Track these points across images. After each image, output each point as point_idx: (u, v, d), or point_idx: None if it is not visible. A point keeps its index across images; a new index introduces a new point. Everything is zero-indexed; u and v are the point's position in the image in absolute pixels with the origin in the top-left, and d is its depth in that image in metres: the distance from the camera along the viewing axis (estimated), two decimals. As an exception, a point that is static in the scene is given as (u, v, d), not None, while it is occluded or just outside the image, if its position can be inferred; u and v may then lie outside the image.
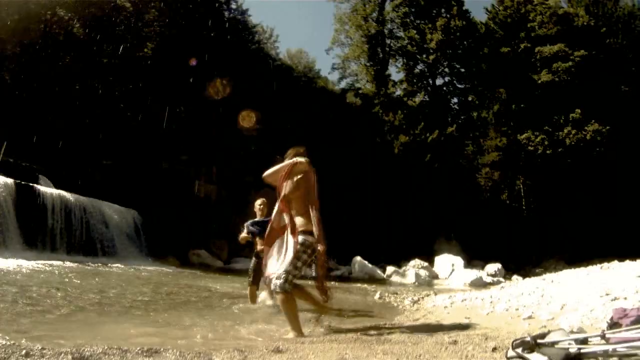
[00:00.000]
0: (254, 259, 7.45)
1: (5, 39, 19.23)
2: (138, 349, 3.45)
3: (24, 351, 3.03)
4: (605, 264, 9.78)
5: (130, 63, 21.46)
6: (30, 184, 13.69)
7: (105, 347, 3.36)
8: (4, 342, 3.25)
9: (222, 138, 22.08)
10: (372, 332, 5.31)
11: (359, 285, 15.43)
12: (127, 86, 21.48)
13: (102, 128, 19.50)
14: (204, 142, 21.32)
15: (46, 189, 14.01)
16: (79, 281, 8.30)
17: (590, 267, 9.67)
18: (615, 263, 9.74)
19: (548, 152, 30.32)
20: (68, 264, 11.17)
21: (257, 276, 7.18)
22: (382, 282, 18.38)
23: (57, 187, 15.14)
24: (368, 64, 36.16)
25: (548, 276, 9.52)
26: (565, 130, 30.26)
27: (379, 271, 20.66)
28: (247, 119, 17.67)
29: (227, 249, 20.47)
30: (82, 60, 20.66)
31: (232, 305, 7.47)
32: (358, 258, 21.20)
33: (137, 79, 21.56)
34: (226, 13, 28.68)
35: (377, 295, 10.70)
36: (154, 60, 22.12)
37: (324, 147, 25.80)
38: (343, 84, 37.89)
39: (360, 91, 36.34)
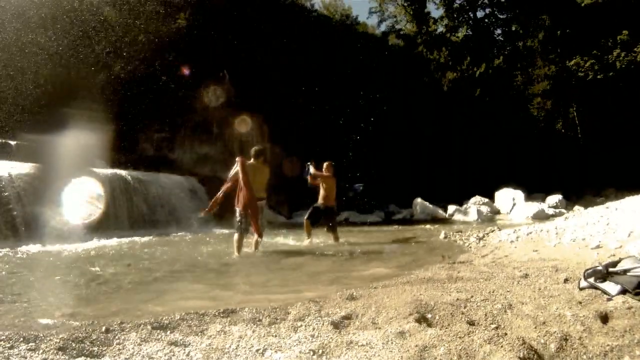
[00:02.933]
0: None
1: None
2: (215, 311, 3.57)
3: (104, 327, 3.10)
4: (670, 188, 9.53)
5: (167, 36, 21.51)
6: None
7: (183, 314, 3.47)
8: (84, 322, 3.36)
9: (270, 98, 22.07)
10: (443, 272, 5.36)
11: (422, 226, 15.44)
12: (167, 59, 21.61)
13: (149, 104, 19.82)
14: (255, 102, 21.32)
15: (104, 171, 13.97)
16: (145, 254, 8.40)
17: (653, 192, 9.43)
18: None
19: (599, 76, 28.95)
20: (136, 238, 11.19)
21: (315, 217, 9.92)
22: (444, 221, 18.29)
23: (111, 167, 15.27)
24: (406, 4, 35.08)
25: (611, 204, 9.32)
26: (615, 53, 28.73)
27: (440, 211, 20.43)
28: (242, 124, 17.70)
29: (287, 205, 20.66)
30: (118, 42, 20.89)
31: (298, 258, 7.71)
32: (419, 200, 21.09)
33: (175, 50, 21.67)
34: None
35: (442, 235, 10.76)
36: (190, 30, 22.14)
37: (371, 92, 25.63)
38: (383, 27, 37.20)
39: (401, 32, 35.57)
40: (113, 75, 20.28)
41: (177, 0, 22.99)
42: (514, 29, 34.80)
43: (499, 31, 36.48)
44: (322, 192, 9.92)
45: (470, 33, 35.15)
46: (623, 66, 28.33)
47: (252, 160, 8.37)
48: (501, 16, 35.68)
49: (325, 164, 10.13)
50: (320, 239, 10.26)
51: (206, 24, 22.26)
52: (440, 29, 35.29)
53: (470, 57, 31.39)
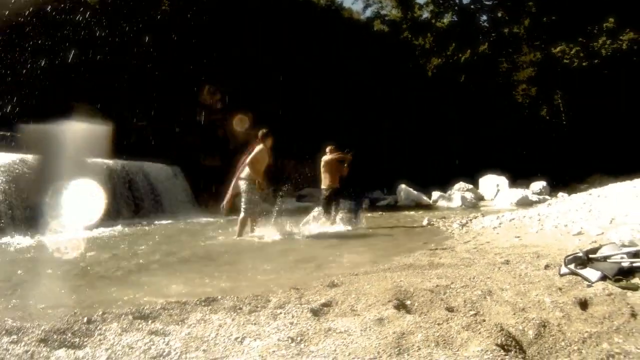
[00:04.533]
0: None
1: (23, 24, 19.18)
2: (196, 299, 3.55)
3: (85, 318, 3.07)
4: (651, 175, 9.62)
5: (150, 23, 21.19)
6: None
7: (164, 303, 3.45)
8: (66, 313, 3.30)
9: (257, 85, 21.94)
10: (424, 258, 5.37)
11: (406, 212, 15.48)
12: (151, 46, 21.31)
13: (131, 92, 19.59)
14: (237, 91, 21.18)
15: (89, 160, 13.67)
16: (130, 243, 8.28)
17: (636, 180, 9.49)
18: (661, 174, 9.57)
19: (584, 64, 29.21)
20: (118, 227, 11.04)
21: (329, 208, 9.88)
22: (428, 207, 18.34)
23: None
24: (391, -12, 35.18)
25: (594, 191, 9.41)
26: (600, 41, 28.97)
27: (424, 197, 20.52)
28: (240, 123, 17.64)
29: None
30: (101, 29, 20.52)
31: (284, 244, 7.66)
32: (403, 186, 21.09)
33: (158, 38, 21.38)
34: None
35: (425, 221, 10.77)
36: (171, 17, 21.84)
37: (356, 78, 25.58)
38: (368, 13, 37.05)
39: (386, 18, 35.48)
40: (95, 62, 20.01)
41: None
42: (499, 15, 34.82)
43: (484, 17, 36.55)
44: (325, 177, 9.84)
45: (456, 19, 35.16)
46: (608, 54, 28.57)
47: (260, 145, 8.39)
48: (487, 2, 35.71)
49: (328, 149, 10.11)
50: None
51: (188, 10, 22.00)
52: (426, 14, 35.29)
53: (455, 43, 31.46)
